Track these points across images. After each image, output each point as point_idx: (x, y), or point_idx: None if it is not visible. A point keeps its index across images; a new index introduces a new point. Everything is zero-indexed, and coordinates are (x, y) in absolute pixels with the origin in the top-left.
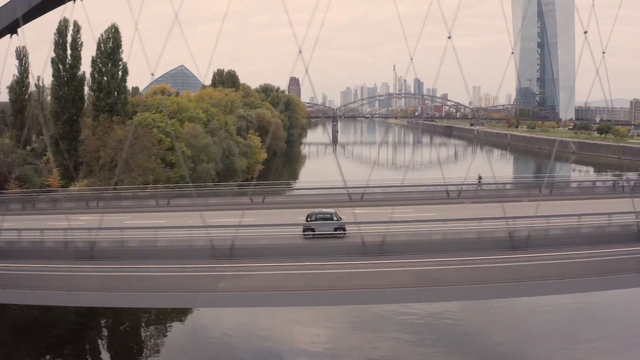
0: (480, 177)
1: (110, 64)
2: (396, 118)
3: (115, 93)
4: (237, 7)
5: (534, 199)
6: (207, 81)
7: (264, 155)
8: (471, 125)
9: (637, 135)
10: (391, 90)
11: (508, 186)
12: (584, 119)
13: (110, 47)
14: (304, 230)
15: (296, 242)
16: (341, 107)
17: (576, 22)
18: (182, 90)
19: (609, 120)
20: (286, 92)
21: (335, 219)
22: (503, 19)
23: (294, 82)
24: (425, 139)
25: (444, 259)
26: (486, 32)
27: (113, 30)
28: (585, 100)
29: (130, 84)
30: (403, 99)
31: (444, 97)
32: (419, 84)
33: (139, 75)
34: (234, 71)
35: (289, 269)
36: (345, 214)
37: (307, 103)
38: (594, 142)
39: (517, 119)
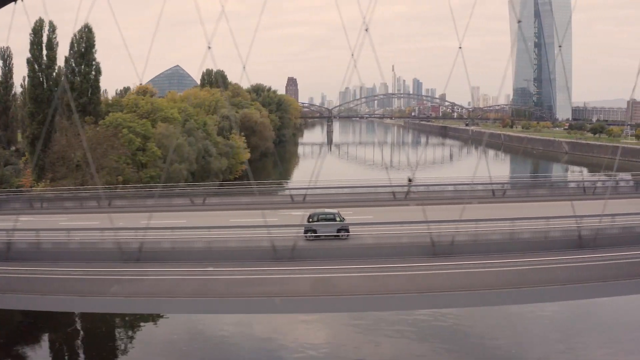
0: (410, 180)
1: (83, 64)
2: (391, 118)
3: (89, 93)
4: (236, 7)
5: (469, 201)
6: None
7: (247, 156)
8: (466, 125)
9: (631, 136)
10: (390, 91)
11: (449, 187)
12: (580, 119)
13: (84, 47)
14: (305, 232)
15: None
16: (335, 108)
17: (573, 22)
18: (178, 90)
19: (606, 121)
20: (283, 92)
21: (338, 219)
22: (502, 20)
23: (292, 82)
24: (421, 139)
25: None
26: (485, 33)
27: (86, 30)
28: (583, 100)
29: (124, 83)
30: (402, 99)
31: (442, 97)
32: (418, 84)
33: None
34: (222, 71)
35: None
36: (279, 216)
37: (303, 103)
38: (586, 142)
39: (512, 119)
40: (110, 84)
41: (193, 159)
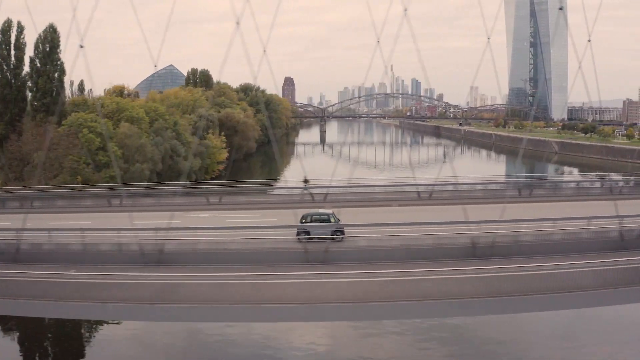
0: (306, 181)
1: (47, 64)
2: (384, 118)
3: (53, 93)
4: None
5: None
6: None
7: (224, 156)
8: (460, 125)
9: (622, 136)
10: (388, 91)
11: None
12: (576, 119)
13: (48, 47)
14: (298, 233)
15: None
16: (328, 107)
17: (569, 22)
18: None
19: (601, 121)
20: (280, 92)
21: (333, 220)
22: (501, 20)
23: (289, 82)
24: (414, 139)
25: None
26: (484, 33)
27: (51, 30)
28: (579, 100)
29: (117, 82)
30: (400, 98)
31: (440, 97)
32: (416, 83)
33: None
34: (207, 70)
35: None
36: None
37: (296, 103)
38: (576, 142)
39: (505, 119)
40: (104, 84)
41: (158, 159)
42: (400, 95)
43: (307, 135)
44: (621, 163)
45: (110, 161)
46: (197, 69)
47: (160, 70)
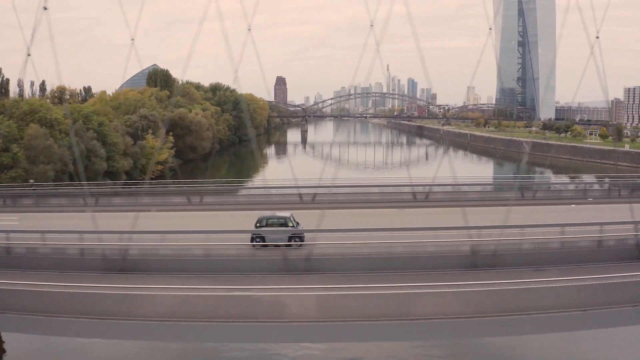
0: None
1: None
2: (365, 117)
3: None
4: (233, 7)
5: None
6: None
7: (164, 156)
8: (442, 125)
9: (596, 135)
10: (384, 90)
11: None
12: (563, 119)
13: None
14: (252, 239)
15: None
16: (311, 107)
17: (557, 21)
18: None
19: (589, 120)
20: (272, 92)
21: (291, 224)
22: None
23: (281, 82)
24: (397, 139)
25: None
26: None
27: None
28: (567, 100)
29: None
30: (395, 98)
31: (434, 96)
32: (412, 83)
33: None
34: (167, 70)
35: None
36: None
37: (274, 103)
38: (546, 142)
39: (487, 119)
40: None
41: (68, 160)
42: (388, 95)
43: (292, 136)
44: (589, 163)
45: (9, 162)
46: (157, 69)
47: (144, 69)
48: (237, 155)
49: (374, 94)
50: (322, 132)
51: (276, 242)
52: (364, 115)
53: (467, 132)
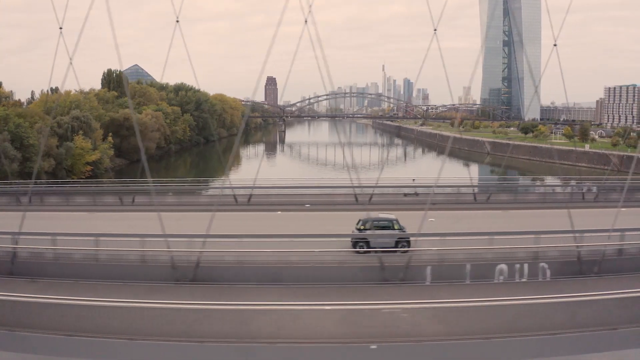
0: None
1: None
2: (343, 118)
3: None
4: (232, 6)
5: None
6: (164, 79)
7: (94, 157)
8: (421, 125)
9: (555, 134)
10: (380, 90)
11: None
12: (547, 119)
13: None
14: (354, 244)
15: None
16: (287, 108)
17: (542, 20)
18: None
19: (573, 120)
20: (262, 92)
21: (397, 227)
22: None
23: (271, 82)
24: (378, 139)
25: None
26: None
27: None
28: (553, 100)
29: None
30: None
31: (426, 97)
32: (408, 83)
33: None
34: (121, 71)
35: None
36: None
37: (272, 103)
38: (506, 142)
39: (463, 119)
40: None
41: None
42: (374, 95)
43: (271, 136)
44: (547, 164)
45: None
46: (111, 69)
47: (126, 69)
48: (201, 155)
49: (361, 94)
50: (305, 133)
51: (383, 247)
52: (354, 115)
53: (436, 132)
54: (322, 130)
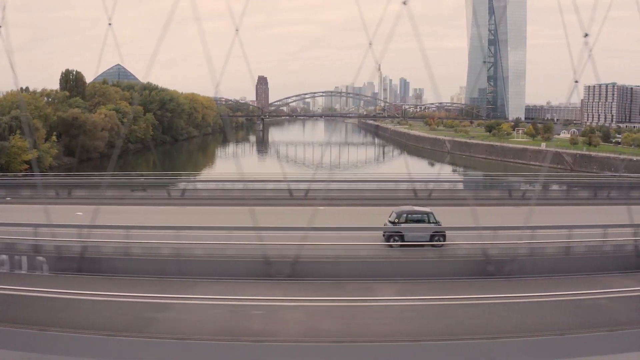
0: None
1: None
2: (321, 117)
3: None
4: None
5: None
6: (147, 79)
7: (29, 156)
8: (395, 125)
9: (518, 132)
10: (376, 90)
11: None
12: (532, 119)
13: None
14: (388, 238)
15: None
16: (267, 107)
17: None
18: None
19: (558, 120)
20: (252, 91)
21: (432, 221)
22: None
23: (262, 81)
24: (358, 138)
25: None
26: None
27: None
28: (541, 99)
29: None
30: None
31: (419, 96)
32: (404, 83)
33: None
34: (79, 72)
35: None
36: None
37: (263, 102)
38: (464, 141)
39: (439, 117)
40: None
41: None
42: (342, 95)
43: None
44: (503, 162)
45: None
46: (69, 70)
47: (109, 69)
48: (167, 154)
49: (353, 95)
50: (292, 133)
51: (417, 241)
52: (343, 115)
53: (405, 131)
54: (314, 130)
